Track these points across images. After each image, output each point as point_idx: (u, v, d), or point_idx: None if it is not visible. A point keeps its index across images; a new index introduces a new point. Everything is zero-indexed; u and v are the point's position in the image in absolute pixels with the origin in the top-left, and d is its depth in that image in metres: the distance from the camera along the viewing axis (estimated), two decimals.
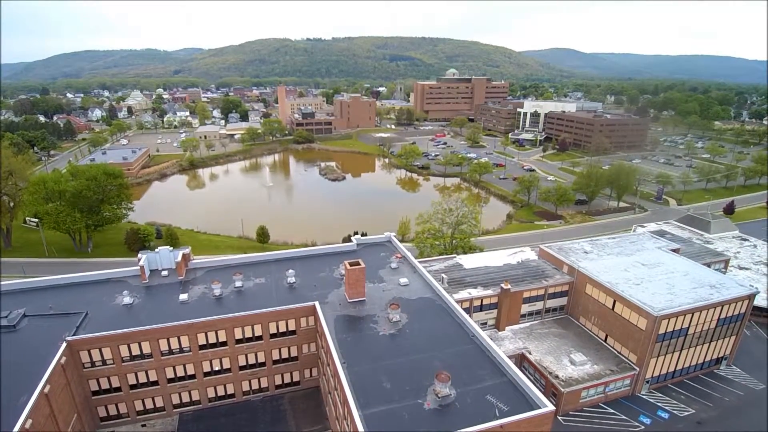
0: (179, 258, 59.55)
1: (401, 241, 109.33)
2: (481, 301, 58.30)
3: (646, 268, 61.01)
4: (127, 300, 53.04)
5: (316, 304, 51.22)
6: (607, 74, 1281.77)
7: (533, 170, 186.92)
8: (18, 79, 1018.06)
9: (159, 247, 61.58)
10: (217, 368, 51.41)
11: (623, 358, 55.13)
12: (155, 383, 49.83)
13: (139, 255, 60.34)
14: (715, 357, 58.84)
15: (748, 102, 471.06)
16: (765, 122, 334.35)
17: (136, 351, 47.88)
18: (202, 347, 49.87)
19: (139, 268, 58.46)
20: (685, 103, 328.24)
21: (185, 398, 51.63)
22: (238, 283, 56.84)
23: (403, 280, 57.11)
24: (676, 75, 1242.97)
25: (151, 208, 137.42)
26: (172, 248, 62.22)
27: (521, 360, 55.88)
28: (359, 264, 52.38)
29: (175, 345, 48.95)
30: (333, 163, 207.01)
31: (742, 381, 57.56)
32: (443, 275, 61.03)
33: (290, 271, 58.59)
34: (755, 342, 66.32)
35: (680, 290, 55.27)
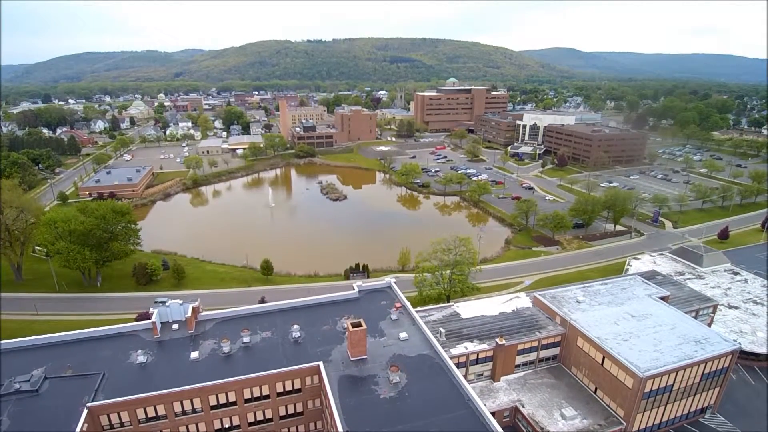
0: (189, 313, 62.54)
1: (401, 271, 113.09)
2: (477, 355, 61.24)
3: (635, 321, 63.82)
4: (141, 359, 55.91)
5: (320, 364, 54.07)
6: (608, 73, 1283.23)
7: (532, 188, 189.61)
8: (20, 81, 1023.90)
9: (169, 301, 64.41)
10: (227, 426, 54.44)
11: (611, 411, 58.05)
12: None
13: (151, 309, 63.39)
14: (699, 407, 61.72)
15: (748, 107, 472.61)
16: (764, 131, 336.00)
17: (151, 413, 50.90)
18: (213, 407, 52.91)
19: (151, 323, 61.37)
20: (684, 111, 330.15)
21: None
22: (246, 339, 59.70)
23: (403, 335, 59.87)
24: (676, 74, 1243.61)
25: (155, 232, 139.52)
26: (181, 302, 65.14)
27: (515, 413, 58.82)
28: (361, 325, 55.27)
29: (188, 406, 51.95)
30: (334, 176, 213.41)
31: (725, 431, 60.41)
32: (441, 329, 63.92)
33: (295, 326, 61.46)
34: (741, 387, 69.11)
35: (666, 347, 58.09)
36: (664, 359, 55.78)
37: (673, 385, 56.58)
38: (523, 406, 58.58)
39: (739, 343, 60.46)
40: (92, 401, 48.92)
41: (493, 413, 57.53)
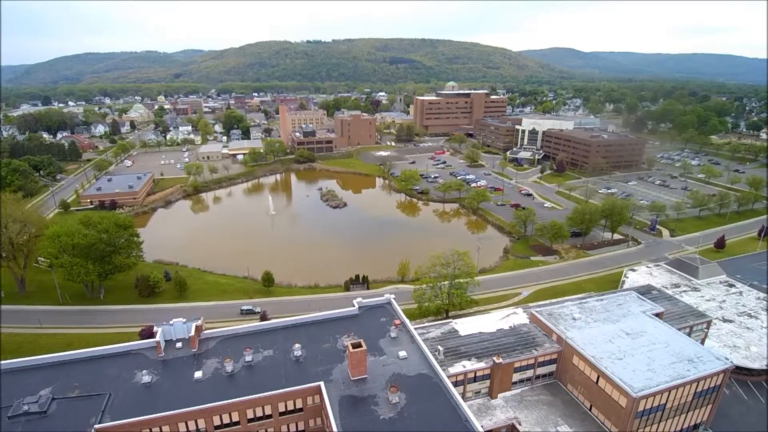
0: (192, 332, 63.78)
1: (401, 282, 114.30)
2: (475, 373, 62.48)
3: (630, 339, 65.05)
4: (146, 378, 57.09)
5: (321, 384, 55.26)
6: (608, 73, 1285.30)
7: (530, 194, 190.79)
8: (19, 82, 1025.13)
9: (173, 320, 65.75)
10: None
11: (606, 429, 59.29)
12: None
13: (155, 328, 64.66)
14: (692, 424, 63.00)
15: (747, 109, 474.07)
16: (763, 134, 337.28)
17: None
18: (217, 427, 54.12)
19: (155, 341, 62.61)
20: (682, 115, 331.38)
21: None
22: (248, 358, 60.88)
23: (402, 353, 61.03)
24: (676, 74, 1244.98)
25: (157, 240, 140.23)
26: (185, 320, 66.42)
27: (512, 431, 60.03)
28: (361, 345, 56.53)
29: (192, 427, 53.17)
30: (333, 182, 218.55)
31: None
32: (439, 347, 65.17)
33: (296, 345, 62.64)
34: (734, 403, 70.37)
35: (660, 365, 59.32)
36: (657, 378, 57.01)
37: (666, 403, 57.83)
38: (520, 424, 59.80)
39: (731, 362, 61.65)
40: (99, 422, 50.08)
41: (490, 431, 58.89)
